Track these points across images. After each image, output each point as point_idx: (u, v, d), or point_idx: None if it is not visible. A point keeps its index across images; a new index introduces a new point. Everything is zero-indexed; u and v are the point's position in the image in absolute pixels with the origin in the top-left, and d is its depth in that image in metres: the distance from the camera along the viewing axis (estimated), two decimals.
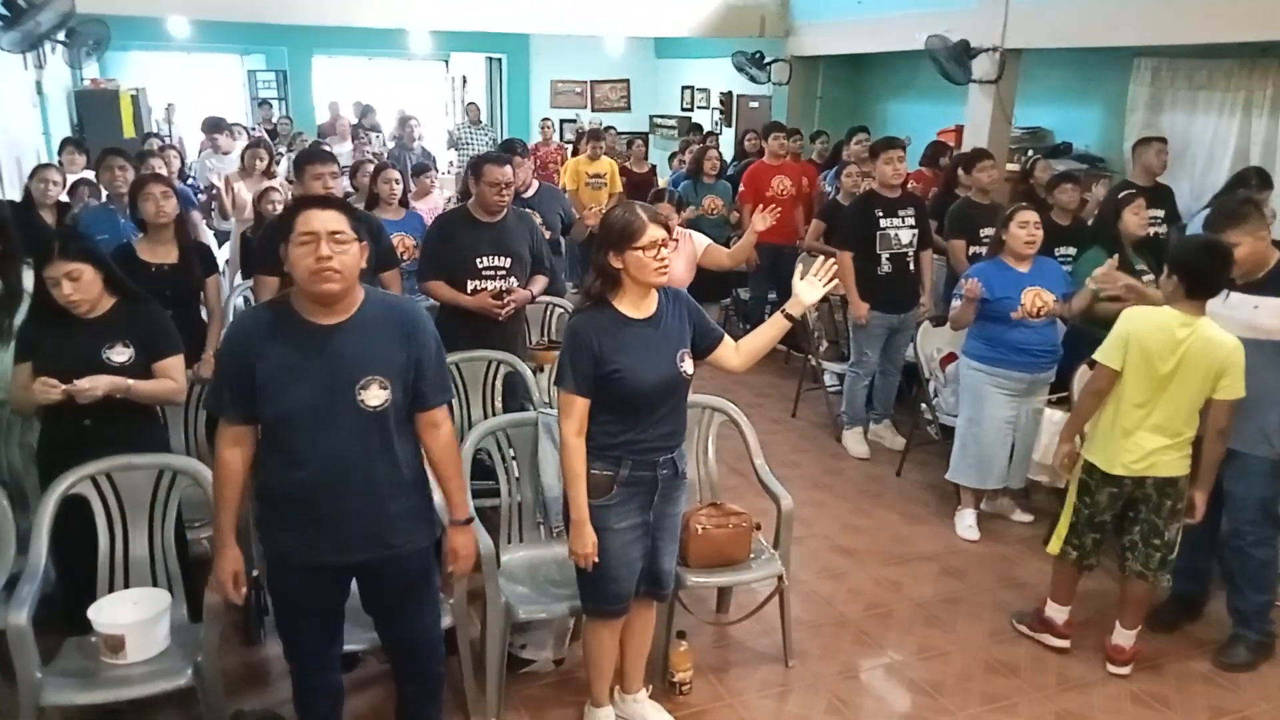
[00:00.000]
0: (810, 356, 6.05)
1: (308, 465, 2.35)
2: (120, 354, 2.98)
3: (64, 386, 2.83)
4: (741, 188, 7.00)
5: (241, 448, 2.41)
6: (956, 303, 4.35)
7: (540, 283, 4.35)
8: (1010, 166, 7.51)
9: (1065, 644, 3.58)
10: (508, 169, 4.05)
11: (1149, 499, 3.31)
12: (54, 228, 4.94)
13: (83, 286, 2.91)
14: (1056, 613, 3.60)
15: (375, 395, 2.36)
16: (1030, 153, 7.56)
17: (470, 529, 2.65)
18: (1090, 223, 5.60)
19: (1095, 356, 3.34)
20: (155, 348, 3.06)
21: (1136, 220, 4.42)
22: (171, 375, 3.09)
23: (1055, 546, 3.52)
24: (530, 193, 5.07)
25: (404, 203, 5.42)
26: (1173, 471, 3.27)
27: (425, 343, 2.45)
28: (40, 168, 5.30)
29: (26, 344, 3.01)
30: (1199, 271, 3.15)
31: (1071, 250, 5.22)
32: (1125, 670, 3.45)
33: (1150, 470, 3.27)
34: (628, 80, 13.65)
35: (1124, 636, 3.46)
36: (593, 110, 13.45)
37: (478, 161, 4.11)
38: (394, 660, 2.76)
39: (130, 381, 2.95)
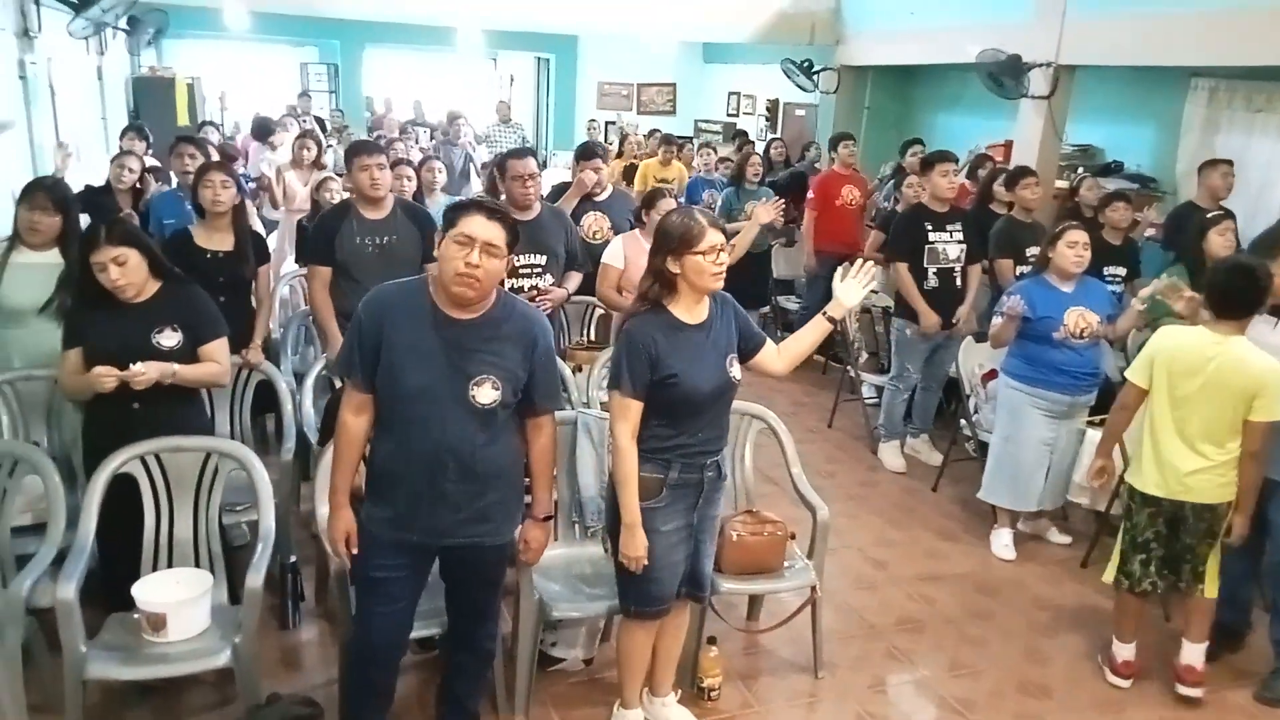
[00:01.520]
0: (849, 367, 6.02)
1: (412, 447, 2.46)
2: (170, 338, 3.02)
3: (120, 374, 2.86)
4: (810, 195, 6.96)
5: (364, 416, 2.52)
6: (998, 319, 4.30)
7: (575, 280, 4.36)
8: (1060, 184, 7.41)
9: (1124, 684, 3.47)
10: (530, 161, 4.09)
11: (1186, 521, 3.27)
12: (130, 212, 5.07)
13: (129, 271, 2.93)
14: (1117, 649, 3.50)
15: (487, 394, 2.46)
16: (1080, 170, 7.46)
17: (547, 525, 2.80)
18: (1141, 244, 5.52)
19: (1125, 373, 3.33)
20: (201, 331, 3.10)
21: (1221, 242, 4.33)
22: (216, 358, 3.14)
23: (1109, 575, 3.47)
24: (604, 195, 5.12)
25: (417, 199, 5.45)
26: (1212, 498, 3.23)
27: (545, 353, 2.59)
28: (120, 154, 5.51)
29: (74, 330, 3.04)
30: (1227, 292, 3.15)
31: (1121, 270, 5.16)
32: (1198, 692, 3.32)
33: (1187, 495, 3.23)
34: (674, 84, 13.66)
35: (1193, 653, 3.33)
36: (638, 113, 13.48)
37: (501, 159, 4.15)
38: (453, 626, 2.83)
39: (176, 366, 2.99)
